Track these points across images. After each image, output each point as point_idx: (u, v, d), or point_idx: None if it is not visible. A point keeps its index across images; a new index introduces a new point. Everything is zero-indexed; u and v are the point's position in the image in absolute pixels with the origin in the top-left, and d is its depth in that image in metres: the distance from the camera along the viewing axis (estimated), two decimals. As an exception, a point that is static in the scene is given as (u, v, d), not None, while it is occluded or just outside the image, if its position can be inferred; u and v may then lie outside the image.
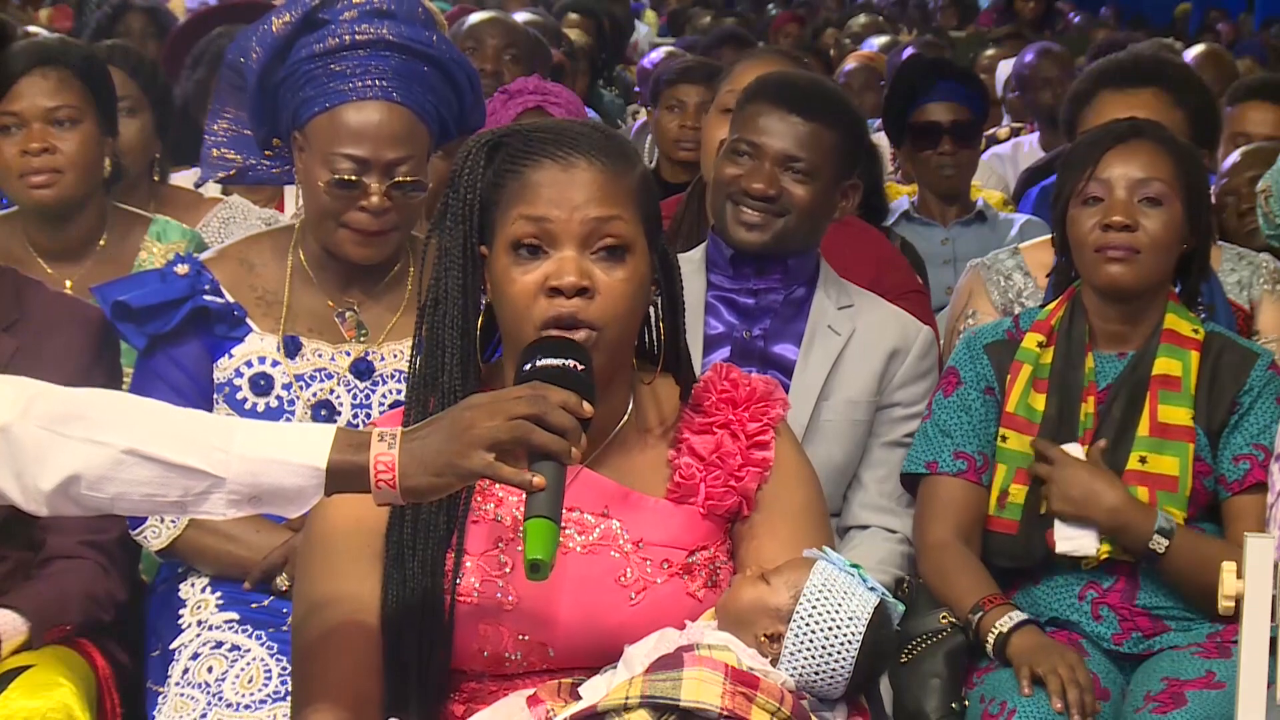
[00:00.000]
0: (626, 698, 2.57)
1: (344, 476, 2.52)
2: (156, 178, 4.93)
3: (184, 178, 5.34)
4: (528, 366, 2.62)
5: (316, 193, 3.47)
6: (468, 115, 3.60)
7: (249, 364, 3.54)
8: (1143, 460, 3.58)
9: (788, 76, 4.09)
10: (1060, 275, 3.80)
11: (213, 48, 5.36)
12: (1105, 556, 3.55)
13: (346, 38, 3.46)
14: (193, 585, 3.58)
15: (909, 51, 8.87)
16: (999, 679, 3.45)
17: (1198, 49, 8.72)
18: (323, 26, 3.48)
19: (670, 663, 2.60)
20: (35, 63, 4.11)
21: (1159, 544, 3.49)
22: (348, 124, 3.43)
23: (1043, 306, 3.81)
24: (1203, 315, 3.83)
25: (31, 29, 8.16)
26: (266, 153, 3.62)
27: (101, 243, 4.28)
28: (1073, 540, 3.55)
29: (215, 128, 3.66)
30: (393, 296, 3.60)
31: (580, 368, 2.61)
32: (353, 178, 3.43)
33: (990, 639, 3.47)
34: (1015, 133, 8.26)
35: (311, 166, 3.46)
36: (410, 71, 3.47)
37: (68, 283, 4.15)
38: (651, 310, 2.84)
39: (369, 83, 3.44)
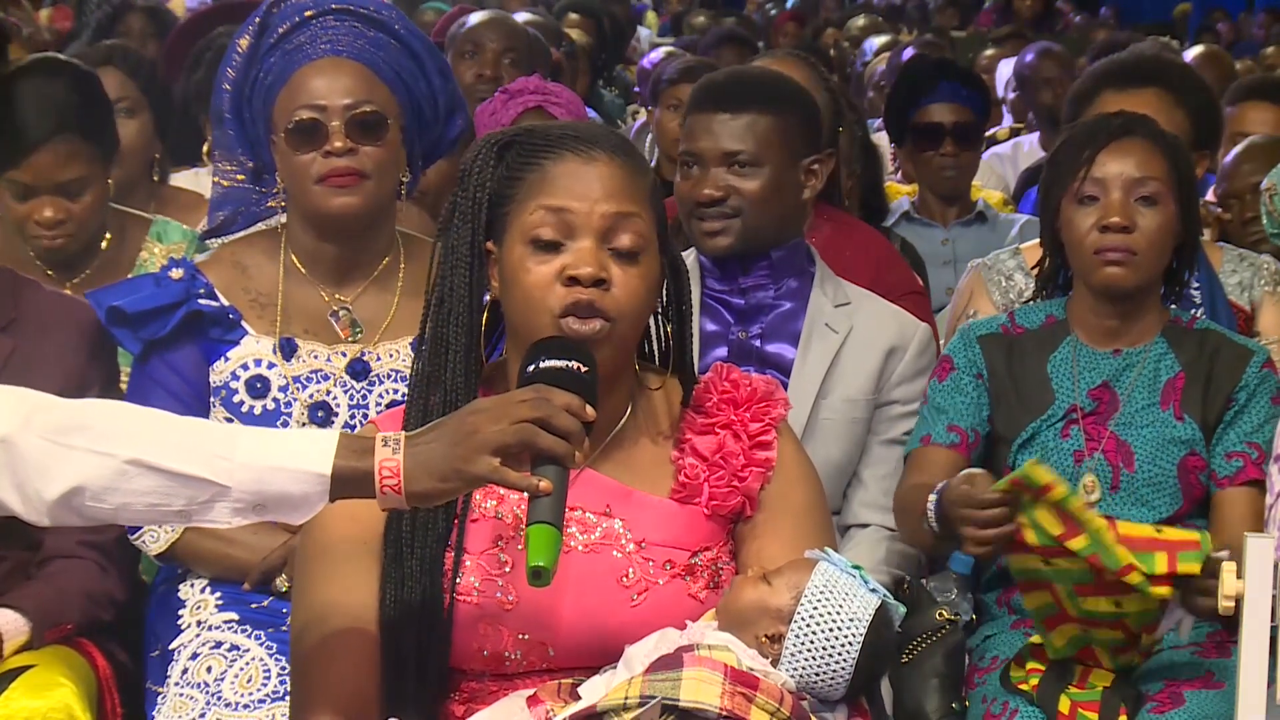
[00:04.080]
0: (626, 697, 2.56)
1: (349, 482, 2.52)
2: (156, 178, 4.94)
3: (184, 178, 5.34)
4: (531, 368, 2.61)
5: (292, 169, 3.49)
6: (440, 96, 3.62)
7: (245, 367, 3.54)
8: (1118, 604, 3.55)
9: (712, 78, 4.09)
10: (1050, 272, 3.81)
11: (213, 47, 5.36)
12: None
13: (296, 18, 3.54)
14: (192, 586, 3.58)
15: (910, 52, 8.86)
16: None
17: (1197, 49, 8.72)
18: (275, 23, 3.56)
19: (670, 663, 2.60)
20: (52, 133, 4.07)
21: None
22: (302, 84, 3.49)
23: (1030, 301, 3.85)
24: (1199, 311, 3.84)
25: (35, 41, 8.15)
26: (259, 189, 3.64)
27: (103, 245, 4.30)
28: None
29: (216, 195, 3.69)
30: (386, 290, 3.60)
31: (584, 369, 2.61)
32: (310, 117, 3.46)
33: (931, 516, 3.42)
34: (1016, 133, 8.26)
35: (283, 150, 3.49)
36: (358, 33, 3.54)
37: (67, 288, 4.16)
38: (655, 313, 2.84)
39: (319, 47, 3.51)
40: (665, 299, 2.86)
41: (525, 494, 2.54)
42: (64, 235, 4.15)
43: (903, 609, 2.79)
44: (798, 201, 3.90)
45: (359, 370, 3.56)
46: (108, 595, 3.57)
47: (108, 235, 4.30)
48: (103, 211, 4.23)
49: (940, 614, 3.53)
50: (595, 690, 2.65)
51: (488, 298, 2.80)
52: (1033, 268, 3.98)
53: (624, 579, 2.76)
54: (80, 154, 4.11)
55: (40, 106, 4.11)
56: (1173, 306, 3.77)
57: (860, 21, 13.13)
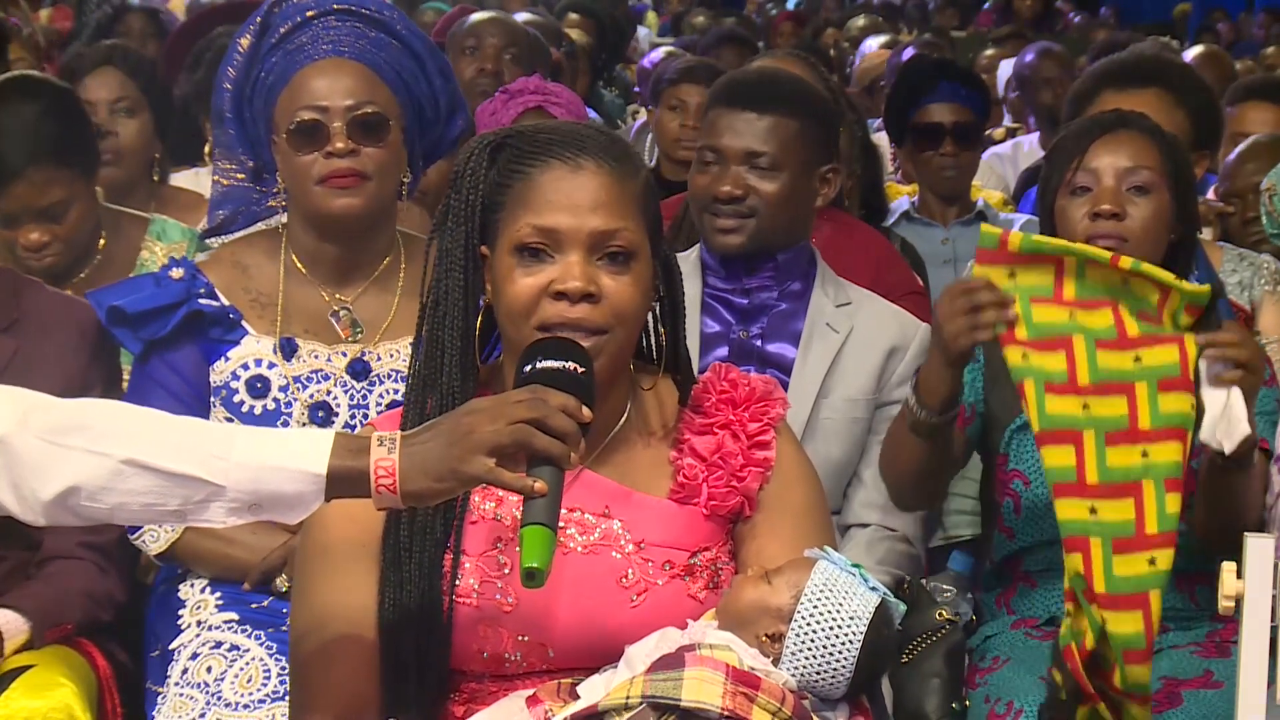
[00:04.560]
0: (627, 697, 2.56)
1: (344, 482, 2.52)
2: (156, 178, 4.94)
3: (184, 178, 5.35)
4: (528, 368, 2.61)
5: (293, 169, 3.49)
6: (441, 96, 3.63)
7: (245, 367, 3.54)
8: (1144, 454, 3.55)
9: (739, 75, 4.09)
10: None
11: (213, 48, 5.37)
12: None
13: (297, 18, 3.54)
14: (192, 586, 3.58)
15: (910, 52, 8.86)
16: (1003, 678, 3.46)
17: (1197, 49, 8.72)
18: (276, 23, 3.56)
19: (671, 662, 2.59)
20: (27, 163, 4.04)
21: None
22: (304, 85, 3.50)
23: None
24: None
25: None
26: (259, 189, 3.64)
27: (100, 244, 4.29)
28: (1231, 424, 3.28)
29: (216, 194, 3.69)
30: (386, 290, 3.61)
31: (581, 370, 2.60)
32: (312, 117, 3.46)
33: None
34: (1012, 133, 8.26)
35: (284, 151, 3.50)
36: (359, 34, 3.54)
37: (68, 289, 4.16)
38: (651, 314, 2.84)
39: (321, 47, 3.51)
40: (659, 298, 2.86)
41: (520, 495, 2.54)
42: (52, 255, 4.14)
43: (903, 607, 2.79)
44: (810, 208, 3.92)
45: (359, 370, 3.56)
46: (108, 595, 3.58)
47: (103, 235, 4.30)
48: (91, 221, 4.22)
49: (940, 614, 3.53)
50: (595, 690, 2.65)
51: (484, 300, 2.80)
52: None
53: (623, 580, 2.76)
54: (58, 179, 4.09)
55: (10, 137, 4.05)
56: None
57: (860, 21, 13.11)
